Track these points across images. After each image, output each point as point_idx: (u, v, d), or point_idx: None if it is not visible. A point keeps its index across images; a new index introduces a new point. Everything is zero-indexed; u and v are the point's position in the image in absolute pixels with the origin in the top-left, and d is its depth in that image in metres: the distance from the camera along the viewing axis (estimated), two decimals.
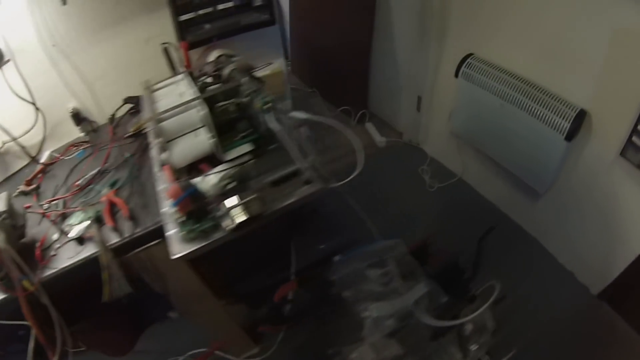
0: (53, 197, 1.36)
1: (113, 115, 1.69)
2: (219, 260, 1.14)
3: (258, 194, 0.99)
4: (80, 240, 1.18)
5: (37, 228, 1.26)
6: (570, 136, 1.41)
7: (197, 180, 1.02)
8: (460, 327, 1.28)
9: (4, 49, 1.40)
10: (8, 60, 1.41)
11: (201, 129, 1.12)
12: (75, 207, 1.28)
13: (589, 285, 1.70)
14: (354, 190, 2.30)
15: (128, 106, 1.70)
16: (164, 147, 1.05)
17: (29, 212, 1.30)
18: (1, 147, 1.48)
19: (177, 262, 0.96)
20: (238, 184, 1.02)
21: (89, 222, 1.20)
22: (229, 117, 1.19)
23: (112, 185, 1.36)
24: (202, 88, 1.23)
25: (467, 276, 1.74)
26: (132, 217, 1.22)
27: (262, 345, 1.65)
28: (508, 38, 1.64)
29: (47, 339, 1.12)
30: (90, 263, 1.13)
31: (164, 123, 1.10)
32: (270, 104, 1.03)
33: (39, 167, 1.50)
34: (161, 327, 1.77)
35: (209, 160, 1.12)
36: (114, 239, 1.17)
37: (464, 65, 1.77)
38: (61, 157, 1.56)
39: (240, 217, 0.95)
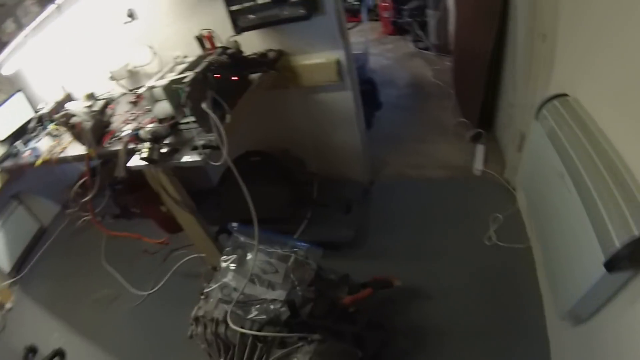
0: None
1: None
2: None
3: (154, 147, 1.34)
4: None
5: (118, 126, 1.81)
6: (610, 266, 0.86)
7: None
8: None
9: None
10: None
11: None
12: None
13: None
14: (407, 201, 2.11)
15: None
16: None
17: (116, 115, 1.88)
18: (134, 69, 2.15)
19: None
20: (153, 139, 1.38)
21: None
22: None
23: None
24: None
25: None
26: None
27: None
28: (620, 87, 1.00)
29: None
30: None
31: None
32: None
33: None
34: None
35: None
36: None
37: (546, 106, 1.28)
38: None
39: (143, 154, 1.34)
